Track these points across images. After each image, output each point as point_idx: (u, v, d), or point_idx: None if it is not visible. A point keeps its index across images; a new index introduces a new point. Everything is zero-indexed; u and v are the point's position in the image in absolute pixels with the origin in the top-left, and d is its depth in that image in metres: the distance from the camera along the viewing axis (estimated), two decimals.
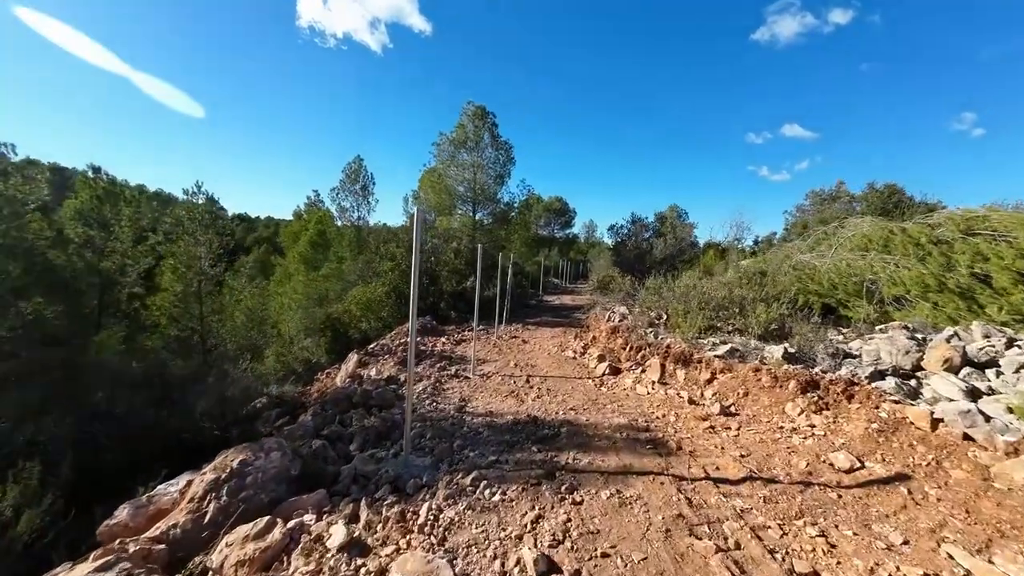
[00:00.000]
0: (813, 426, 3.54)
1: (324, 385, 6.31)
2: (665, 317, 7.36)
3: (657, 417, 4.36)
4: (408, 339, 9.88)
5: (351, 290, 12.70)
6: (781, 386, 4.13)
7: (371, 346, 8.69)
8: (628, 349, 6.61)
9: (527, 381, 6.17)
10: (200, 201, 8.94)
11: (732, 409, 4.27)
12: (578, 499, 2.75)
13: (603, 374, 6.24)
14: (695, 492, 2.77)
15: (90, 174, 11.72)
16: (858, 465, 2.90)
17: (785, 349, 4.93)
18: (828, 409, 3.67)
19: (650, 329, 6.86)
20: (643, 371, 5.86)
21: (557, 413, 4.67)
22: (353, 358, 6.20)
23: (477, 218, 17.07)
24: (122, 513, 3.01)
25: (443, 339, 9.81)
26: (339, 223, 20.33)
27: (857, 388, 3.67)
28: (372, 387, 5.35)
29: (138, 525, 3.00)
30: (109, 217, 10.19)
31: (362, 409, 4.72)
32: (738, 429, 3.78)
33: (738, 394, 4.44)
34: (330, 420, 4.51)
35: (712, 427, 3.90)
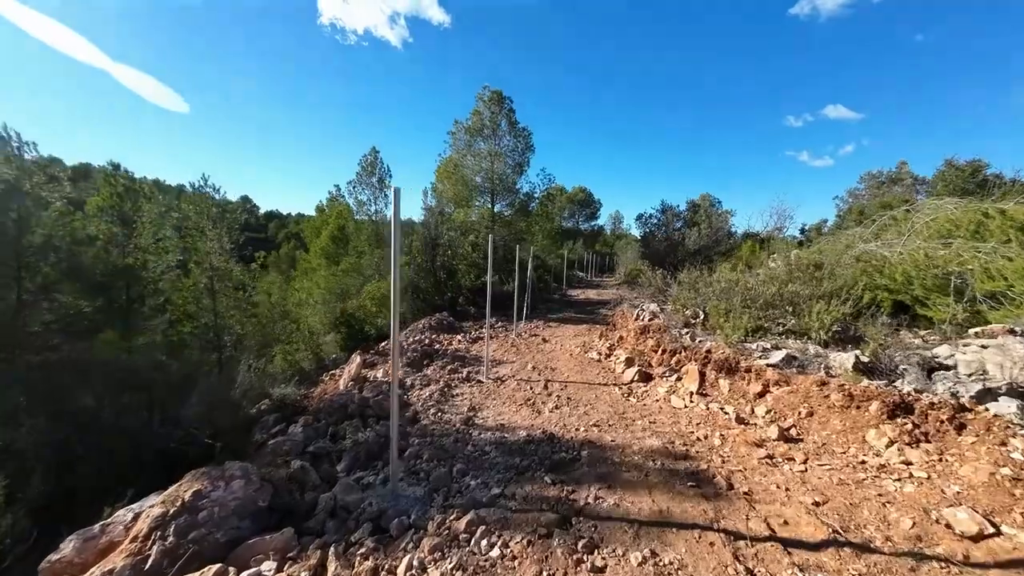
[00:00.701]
0: (909, 464, 2.73)
1: (326, 388, 5.91)
2: (702, 316, 6.52)
3: (698, 439, 3.63)
4: (422, 336, 9.42)
5: (366, 285, 12.40)
6: (858, 407, 3.30)
7: (382, 344, 8.28)
8: (660, 352, 5.84)
9: (545, 387, 5.54)
10: (208, 194, 8.75)
11: (793, 433, 3.48)
12: (599, 563, 2.10)
13: (632, 381, 5.52)
14: (759, 560, 2.07)
15: (110, 170, 11.71)
16: (990, 530, 2.11)
17: (856, 358, 4.06)
18: (928, 442, 2.84)
19: (685, 330, 6.05)
20: (678, 379, 5.10)
21: (577, 430, 4.02)
22: (356, 359, 5.76)
23: (496, 210, 16.44)
24: (68, 547, 2.61)
25: (459, 337, 9.31)
26: (359, 217, 20.18)
27: (970, 415, 2.82)
28: (372, 393, 4.86)
29: (85, 561, 2.59)
30: (130, 214, 10.23)
31: (358, 420, 4.24)
32: (805, 462, 3.01)
33: (799, 414, 3.64)
34: (322, 433, 4.04)
35: (770, 457, 3.14)
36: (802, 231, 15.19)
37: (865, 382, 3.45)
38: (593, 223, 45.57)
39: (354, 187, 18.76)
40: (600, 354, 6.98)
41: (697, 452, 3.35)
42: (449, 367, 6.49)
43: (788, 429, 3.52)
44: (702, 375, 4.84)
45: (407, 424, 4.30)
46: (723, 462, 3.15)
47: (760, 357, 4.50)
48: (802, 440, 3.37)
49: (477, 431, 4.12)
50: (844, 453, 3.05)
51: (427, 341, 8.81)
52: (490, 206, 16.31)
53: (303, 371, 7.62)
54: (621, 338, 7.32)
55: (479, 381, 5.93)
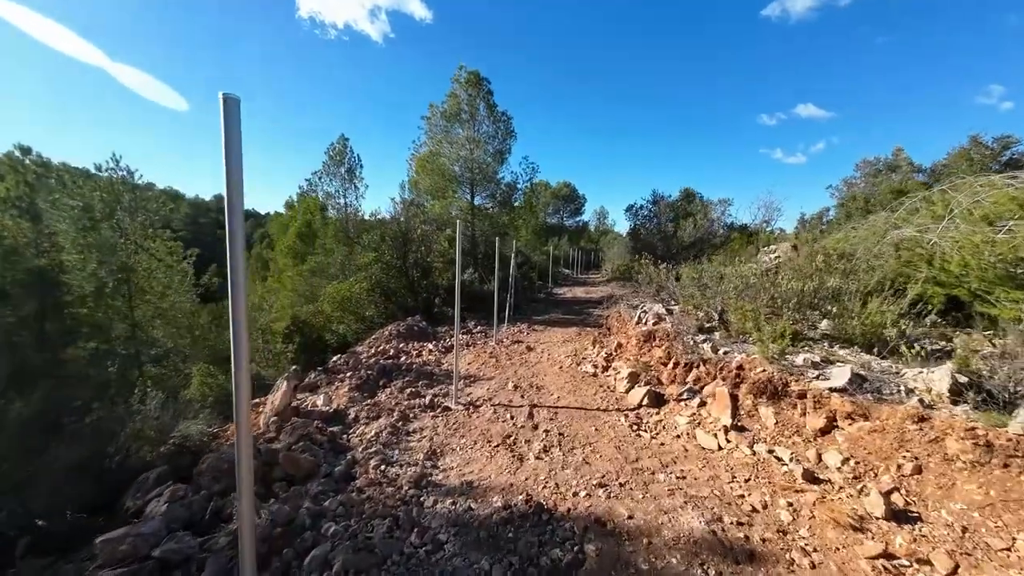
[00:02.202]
0: None
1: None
2: (716, 318, 5.38)
3: (754, 510, 2.45)
4: (387, 346, 8.07)
5: (328, 286, 10.94)
6: (1006, 465, 2.17)
7: (334, 359, 6.90)
8: (672, 366, 4.68)
9: (530, 416, 4.31)
10: (118, 179, 7.19)
11: (899, 503, 2.33)
12: None
13: (640, 405, 4.34)
14: None
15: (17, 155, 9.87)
16: None
17: (954, 377, 2.96)
18: None
19: (701, 337, 4.90)
20: (702, 404, 3.93)
21: (576, 494, 2.79)
22: (282, 386, 4.39)
23: (476, 203, 15.13)
24: None
25: (430, 345, 7.98)
26: (331, 212, 18.55)
27: None
28: (292, 438, 3.53)
29: None
30: (44, 206, 8.55)
31: (259, 487, 2.91)
32: (955, 573, 1.84)
33: (899, 469, 2.49)
34: (197, 512, 2.69)
35: (888, 556, 1.97)
36: (802, 220, 14.42)
37: (1017, 427, 2.31)
38: (578, 219, 44.69)
39: (320, 178, 17.19)
40: (596, 366, 5.78)
41: (765, 543, 2.15)
42: (410, 389, 5.19)
43: (889, 494, 2.37)
44: (734, 400, 3.68)
45: (334, 488, 3.00)
46: (813, 567, 1.97)
47: (818, 377, 3.35)
48: (920, 519, 2.21)
49: (432, 498, 2.85)
50: (1009, 550, 1.90)
51: (391, 352, 7.47)
52: (469, 198, 14.98)
53: (229, 397, 6.17)
54: (619, 346, 6.14)
55: (446, 408, 4.66)
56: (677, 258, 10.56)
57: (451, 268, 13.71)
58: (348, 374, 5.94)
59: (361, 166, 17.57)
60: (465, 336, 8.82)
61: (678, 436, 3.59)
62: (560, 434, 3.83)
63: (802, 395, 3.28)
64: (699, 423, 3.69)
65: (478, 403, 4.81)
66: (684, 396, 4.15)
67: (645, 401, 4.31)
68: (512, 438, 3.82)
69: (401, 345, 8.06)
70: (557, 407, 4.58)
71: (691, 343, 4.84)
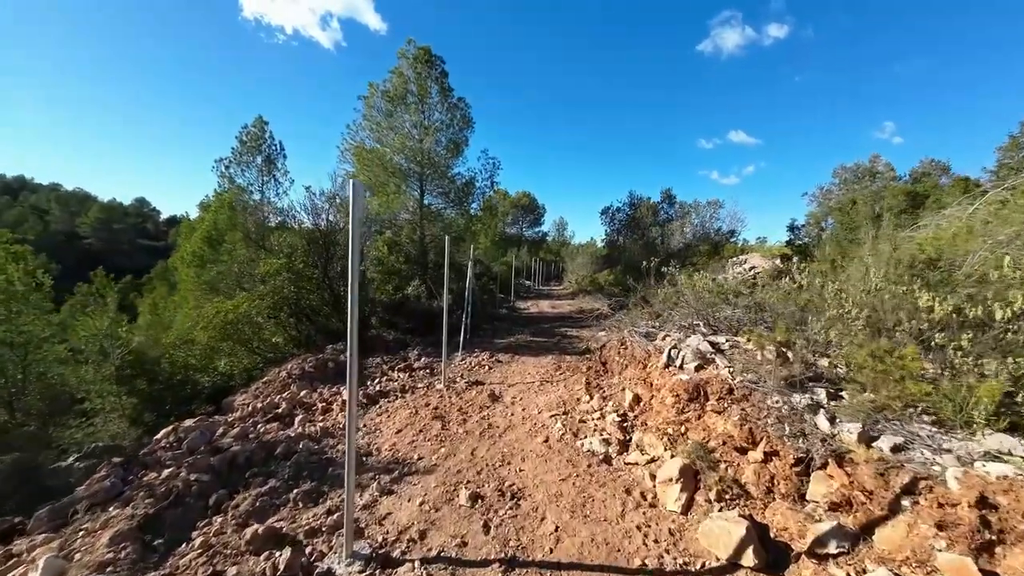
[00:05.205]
0: None
1: None
2: (805, 362, 3.31)
3: None
4: (278, 397, 5.11)
5: (206, 306, 7.89)
6: None
7: (164, 432, 4.05)
8: (764, 457, 2.50)
9: None
10: None
11: None
12: None
13: (734, 561, 2.09)
14: None
15: None
16: None
17: None
18: None
19: (803, 400, 2.78)
20: None
21: None
22: None
23: (426, 202, 12.65)
24: None
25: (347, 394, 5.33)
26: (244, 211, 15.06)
27: None
28: None
29: None
30: None
31: None
32: None
33: None
34: None
35: None
36: (791, 228, 13.35)
37: None
38: (537, 229, 43.29)
39: (228, 167, 13.81)
40: (607, 440, 3.49)
41: None
42: (255, 526, 2.58)
43: None
44: None
45: None
46: None
47: None
48: None
49: None
50: None
51: (282, 409, 4.81)
52: (418, 195, 12.46)
53: None
54: (638, 400, 3.92)
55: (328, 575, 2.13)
56: (659, 269, 8.76)
57: (392, 279, 11.04)
58: (167, 472, 3.22)
59: (284, 156, 14.43)
60: (403, 374, 6.24)
61: None
62: None
63: None
64: None
65: (397, 554, 2.34)
66: (833, 548, 1.96)
67: (749, 559, 2.06)
68: None
69: (302, 394, 5.38)
70: (560, 564, 2.22)
71: (787, 412, 2.70)
